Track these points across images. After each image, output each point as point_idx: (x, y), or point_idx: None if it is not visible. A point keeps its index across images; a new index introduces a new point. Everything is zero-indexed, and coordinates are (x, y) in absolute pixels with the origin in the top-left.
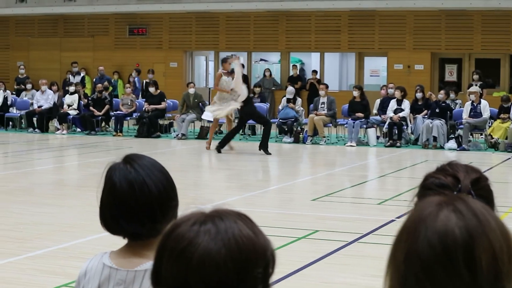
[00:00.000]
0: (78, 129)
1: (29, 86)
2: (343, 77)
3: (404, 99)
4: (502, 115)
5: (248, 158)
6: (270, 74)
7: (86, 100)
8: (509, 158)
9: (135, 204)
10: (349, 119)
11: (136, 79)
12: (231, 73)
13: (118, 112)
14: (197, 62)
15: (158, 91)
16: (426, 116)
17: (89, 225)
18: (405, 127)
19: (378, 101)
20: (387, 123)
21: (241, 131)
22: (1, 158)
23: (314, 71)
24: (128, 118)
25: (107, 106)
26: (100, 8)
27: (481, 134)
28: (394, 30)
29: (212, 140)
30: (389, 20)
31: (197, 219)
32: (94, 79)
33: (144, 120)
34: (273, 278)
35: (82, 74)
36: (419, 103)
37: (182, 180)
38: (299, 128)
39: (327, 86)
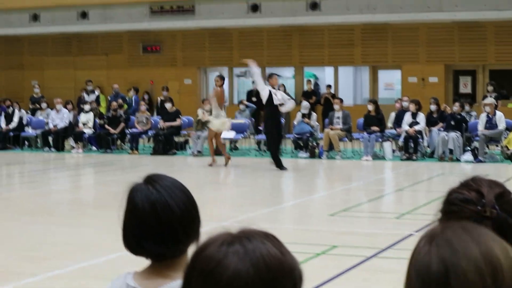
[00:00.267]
0: (94, 148)
1: (44, 105)
2: (358, 91)
3: (419, 112)
4: None
5: (264, 174)
6: (284, 89)
7: (102, 121)
8: None
9: (158, 225)
10: (365, 133)
11: (134, 97)
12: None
13: (134, 130)
14: (211, 78)
15: (174, 108)
16: (441, 129)
17: (107, 244)
18: (421, 140)
19: (393, 115)
20: (402, 136)
21: (256, 146)
22: (18, 178)
23: (328, 86)
24: (144, 135)
25: (122, 124)
26: (113, 26)
27: (497, 146)
28: (408, 42)
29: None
30: (402, 32)
31: (225, 240)
32: (108, 97)
33: (159, 137)
34: None
35: (96, 93)
36: (434, 115)
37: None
38: (314, 143)
39: (341, 100)
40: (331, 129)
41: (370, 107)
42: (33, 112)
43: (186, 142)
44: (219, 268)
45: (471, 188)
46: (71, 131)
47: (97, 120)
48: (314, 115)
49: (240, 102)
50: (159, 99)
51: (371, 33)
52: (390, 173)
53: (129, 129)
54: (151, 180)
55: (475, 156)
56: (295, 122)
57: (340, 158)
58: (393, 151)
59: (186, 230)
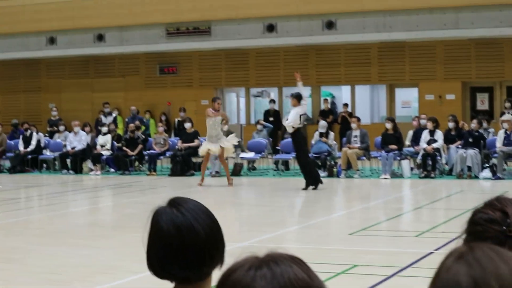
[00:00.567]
0: (112, 170)
1: (62, 128)
2: (375, 109)
3: (436, 130)
4: None
5: (283, 194)
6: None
7: (120, 143)
8: None
9: (183, 248)
10: (383, 151)
11: (107, 118)
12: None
13: (151, 151)
14: (228, 98)
15: (193, 128)
16: (459, 146)
17: (127, 266)
18: (439, 158)
19: (410, 133)
20: (420, 154)
21: (274, 166)
22: (36, 200)
23: (345, 104)
24: (162, 157)
25: (140, 146)
26: (130, 48)
27: None
28: (424, 60)
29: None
30: (419, 50)
31: (252, 264)
32: (126, 119)
33: (177, 158)
34: None
35: (114, 115)
36: (452, 133)
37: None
38: (332, 162)
39: (358, 119)
40: (349, 147)
41: (388, 125)
42: (51, 134)
43: None
44: None
45: (495, 208)
46: (89, 153)
47: (115, 142)
48: (331, 134)
49: (257, 122)
50: (176, 120)
51: (387, 52)
52: (408, 191)
53: (147, 151)
54: (176, 203)
55: (494, 173)
56: (313, 142)
57: (358, 177)
58: (411, 169)
59: (211, 254)
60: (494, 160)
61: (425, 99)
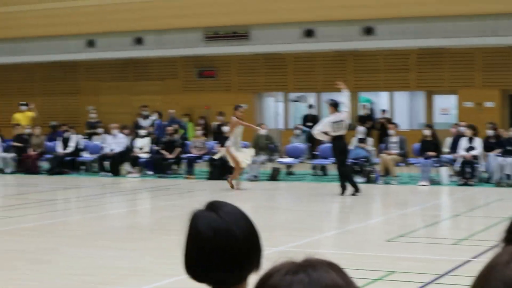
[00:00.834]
0: (150, 172)
1: (100, 130)
2: (413, 115)
3: (475, 137)
4: None
5: (320, 199)
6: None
7: (159, 146)
8: None
9: (222, 252)
10: (421, 158)
11: (157, 122)
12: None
13: (189, 154)
14: (266, 103)
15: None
16: (499, 154)
17: (164, 269)
18: (478, 165)
19: (449, 140)
20: (459, 161)
21: (312, 171)
22: (74, 202)
23: (384, 110)
24: (199, 160)
25: (178, 149)
26: (168, 51)
27: None
28: (463, 67)
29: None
30: (458, 57)
31: (289, 269)
32: (164, 122)
33: (215, 162)
34: None
35: (152, 117)
36: (491, 140)
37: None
38: (370, 168)
39: (396, 125)
40: (387, 154)
41: (426, 132)
42: (90, 137)
43: None
44: None
45: None
46: (127, 155)
47: (153, 145)
48: (369, 140)
49: (296, 127)
50: (215, 124)
51: (426, 58)
52: (446, 199)
53: (185, 154)
54: (214, 206)
55: None
56: (351, 147)
57: (396, 183)
58: (450, 176)
59: (249, 257)
60: None
61: (464, 106)
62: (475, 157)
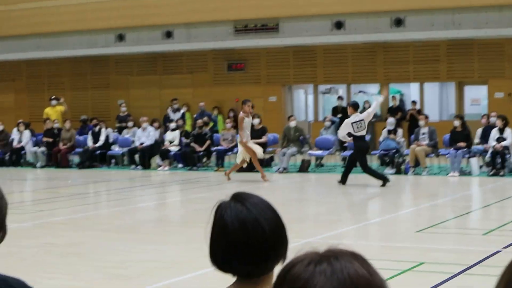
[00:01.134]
0: (180, 165)
1: (130, 123)
2: (443, 106)
3: (506, 128)
4: None
5: (350, 191)
6: (370, 106)
7: (188, 139)
8: None
9: (248, 243)
10: (451, 149)
11: (175, 114)
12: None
13: (219, 147)
14: (296, 95)
15: (261, 125)
16: None
17: (194, 262)
18: (508, 156)
19: (479, 130)
20: (489, 152)
21: (342, 163)
22: (105, 196)
23: (414, 102)
24: (229, 153)
25: (208, 142)
26: (198, 45)
27: None
28: (493, 58)
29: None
30: (488, 48)
31: (312, 259)
32: (194, 115)
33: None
34: None
35: (182, 111)
36: None
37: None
38: (400, 159)
39: (426, 117)
40: (417, 145)
41: (457, 123)
42: (120, 130)
43: (272, 159)
44: (306, 287)
45: None
46: (157, 149)
47: (183, 138)
48: (399, 131)
49: (325, 119)
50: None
51: (456, 49)
52: (477, 189)
53: (215, 147)
54: (240, 198)
55: None
56: (381, 139)
57: (426, 174)
58: (480, 167)
59: (275, 249)
60: None
61: (495, 97)
62: (505, 147)
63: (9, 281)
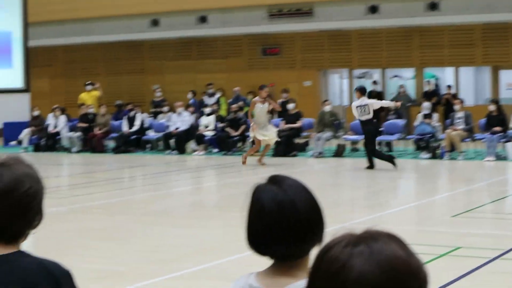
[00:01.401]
0: (215, 150)
1: (165, 108)
2: (479, 91)
3: None
4: None
5: (385, 175)
6: (405, 90)
7: (223, 124)
8: None
9: (285, 225)
10: (487, 133)
11: (191, 101)
12: (265, 100)
13: None
14: (331, 80)
15: (295, 110)
16: None
17: (229, 246)
18: None
19: None
20: None
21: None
22: (140, 180)
23: (449, 86)
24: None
25: (243, 126)
26: (232, 29)
27: None
28: None
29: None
30: None
31: (350, 241)
32: (229, 100)
33: (280, 139)
34: None
35: (217, 95)
36: None
37: (320, 199)
38: (436, 144)
39: (462, 101)
40: (453, 129)
41: (492, 107)
42: (155, 115)
43: (307, 143)
44: (344, 269)
45: None
46: (193, 133)
47: (218, 123)
48: (435, 115)
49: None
50: (279, 101)
51: (491, 33)
52: None
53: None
54: (276, 180)
55: None
56: (416, 123)
57: (462, 159)
58: None
59: (312, 230)
60: None
61: None
62: None
63: (46, 264)
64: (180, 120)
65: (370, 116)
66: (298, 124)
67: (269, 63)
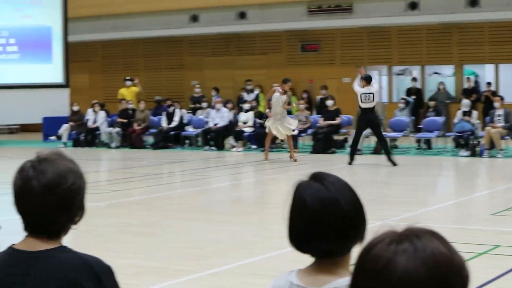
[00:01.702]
0: (254, 146)
1: (204, 104)
2: None
3: None
4: None
5: (424, 173)
6: (444, 87)
7: (262, 120)
8: None
9: (327, 222)
10: None
11: (215, 97)
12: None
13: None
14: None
15: (334, 106)
16: None
17: (268, 242)
18: None
19: None
20: None
21: (416, 144)
22: (179, 176)
23: (489, 83)
24: (303, 134)
25: None
26: (271, 25)
27: None
28: None
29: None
30: None
31: (393, 238)
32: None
33: (319, 136)
34: None
35: (256, 92)
36: None
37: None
38: (475, 141)
39: (502, 98)
40: (492, 127)
41: None
42: (194, 111)
43: (345, 140)
44: (388, 267)
45: None
46: (231, 130)
47: (257, 119)
48: (474, 113)
49: (402, 99)
50: (318, 97)
51: None
52: None
53: None
54: (318, 177)
55: None
56: (456, 120)
57: (501, 157)
58: None
59: (354, 228)
60: None
61: None
62: None
63: (87, 259)
64: (219, 116)
65: (373, 104)
66: (337, 121)
67: (308, 59)
